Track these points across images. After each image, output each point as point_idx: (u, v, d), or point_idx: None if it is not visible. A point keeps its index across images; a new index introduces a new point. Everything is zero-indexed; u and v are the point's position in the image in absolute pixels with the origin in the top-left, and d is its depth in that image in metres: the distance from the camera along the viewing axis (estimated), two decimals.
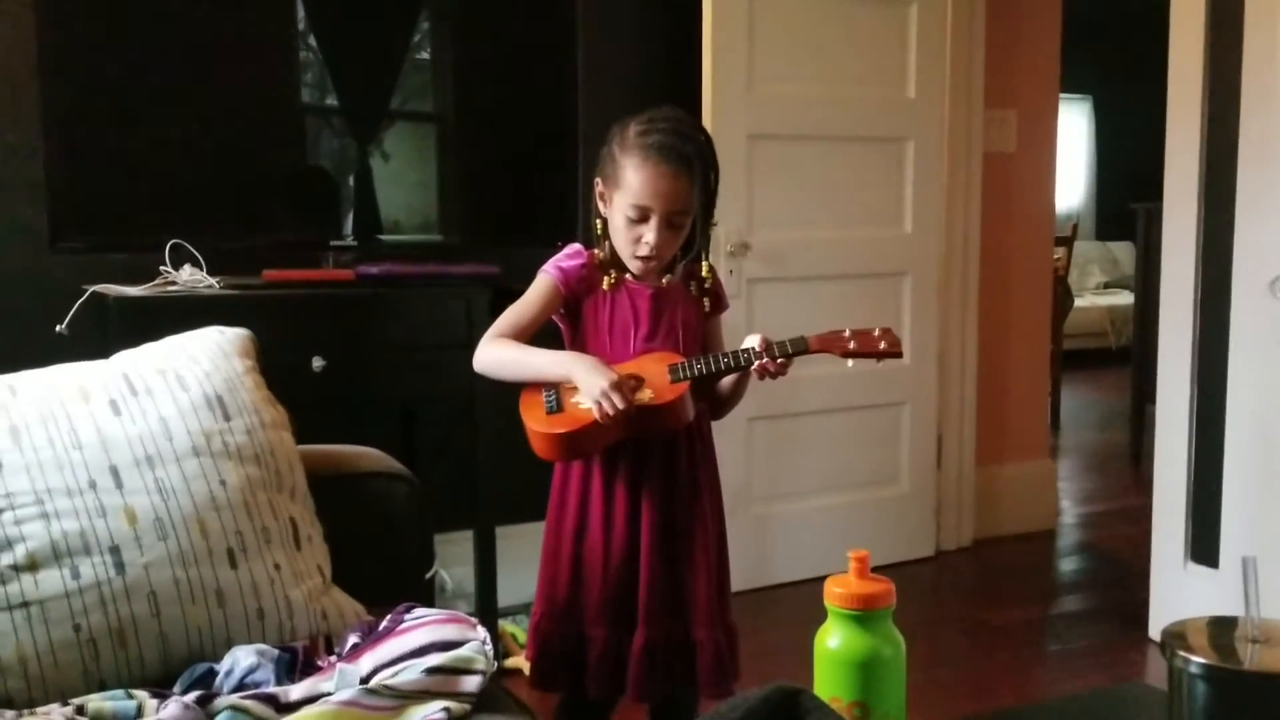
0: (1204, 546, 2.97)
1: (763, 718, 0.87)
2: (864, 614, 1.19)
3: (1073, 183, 9.69)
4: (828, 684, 1.20)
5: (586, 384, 1.79)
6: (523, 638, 2.84)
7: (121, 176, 2.68)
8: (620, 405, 1.75)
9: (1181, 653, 1.03)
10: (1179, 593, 3.00)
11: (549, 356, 1.87)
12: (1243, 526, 2.80)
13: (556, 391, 1.84)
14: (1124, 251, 9.28)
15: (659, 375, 1.84)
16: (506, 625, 2.99)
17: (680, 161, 1.83)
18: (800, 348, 1.84)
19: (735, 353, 1.85)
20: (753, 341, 1.85)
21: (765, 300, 3.42)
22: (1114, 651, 3.07)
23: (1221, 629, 1.12)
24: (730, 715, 0.86)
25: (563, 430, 1.81)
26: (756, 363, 1.84)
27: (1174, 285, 3.02)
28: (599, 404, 1.76)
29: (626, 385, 1.78)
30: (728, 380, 1.94)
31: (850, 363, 1.88)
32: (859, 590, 1.19)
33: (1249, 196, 2.79)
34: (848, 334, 1.87)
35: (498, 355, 1.88)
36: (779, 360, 1.83)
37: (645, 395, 1.81)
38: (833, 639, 1.19)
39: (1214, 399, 2.92)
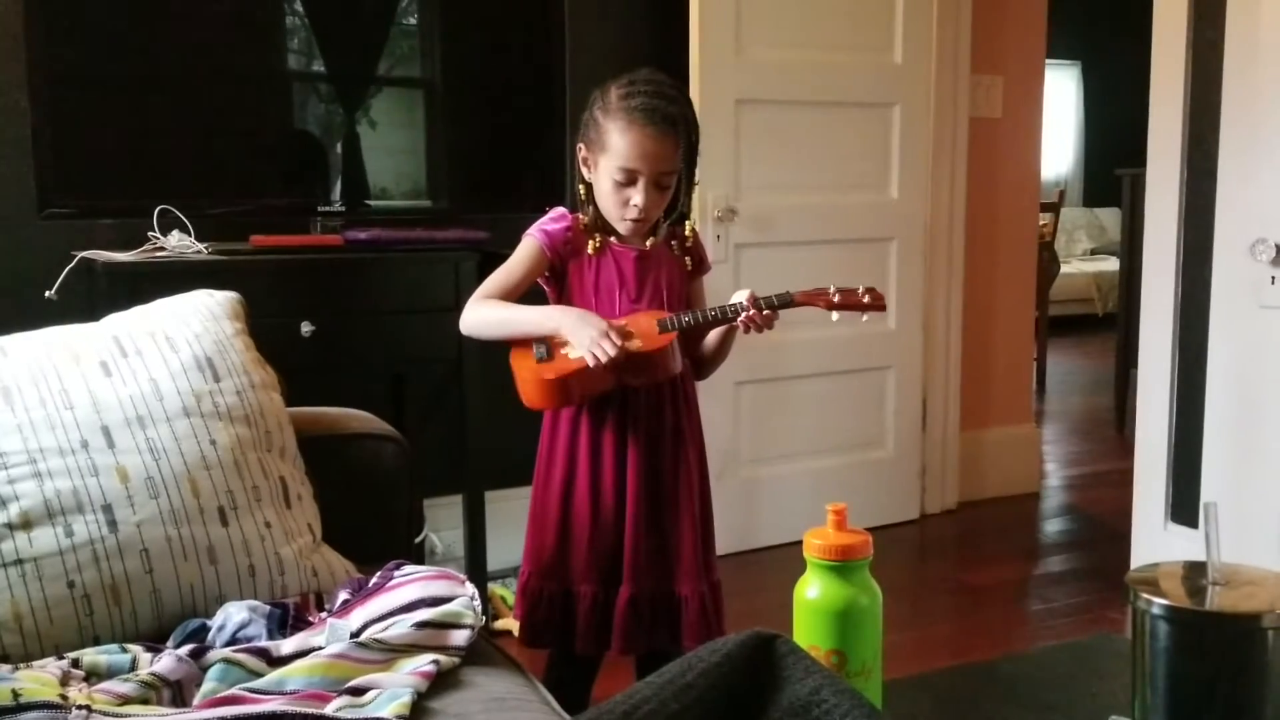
0: (1184, 507, 3.01)
1: (740, 661, 0.90)
2: (842, 564, 1.21)
3: (1061, 149, 9.71)
4: (806, 633, 1.23)
5: (577, 334, 1.81)
6: (511, 600, 2.87)
7: (109, 143, 2.68)
8: (612, 351, 1.77)
9: (1144, 595, 1.07)
10: (1159, 552, 3.04)
11: (538, 312, 1.90)
12: (1222, 487, 2.84)
13: (547, 344, 1.87)
14: (1111, 218, 9.30)
15: (648, 328, 1.86)
16: (496, 588, 3.02)
17: (666, 123, 1.85)
18: (786, 301, 1.88)
19: (723, 306, 1.88)
20: (740, 297, 1.88)
21: (752, 265, 3.44)
22: (1095, 610, 3.12)
23: (1185, 574, 1.15)
24: (709, 659, 0.88)
25: (553, 375, 1.84)
26: (743, 315, 1.86)
27: (1156, 249, 3.05)
28: (591, 352, 1.78)
29: (617, 330, 1.81)
30: (713, 337, 1.97)
31: (835, 316, 1.91)
32: (837, 541, 1.22)
33: (1230, 161, 2.81)
34: (832, 289, 1.90)
35: (485, 315, 1.91)
36: (765, 312, 1.86)
37: (635, 344, 1.84)
38: (811, 589, 1.22)
39: (1195, 362, 2.95)
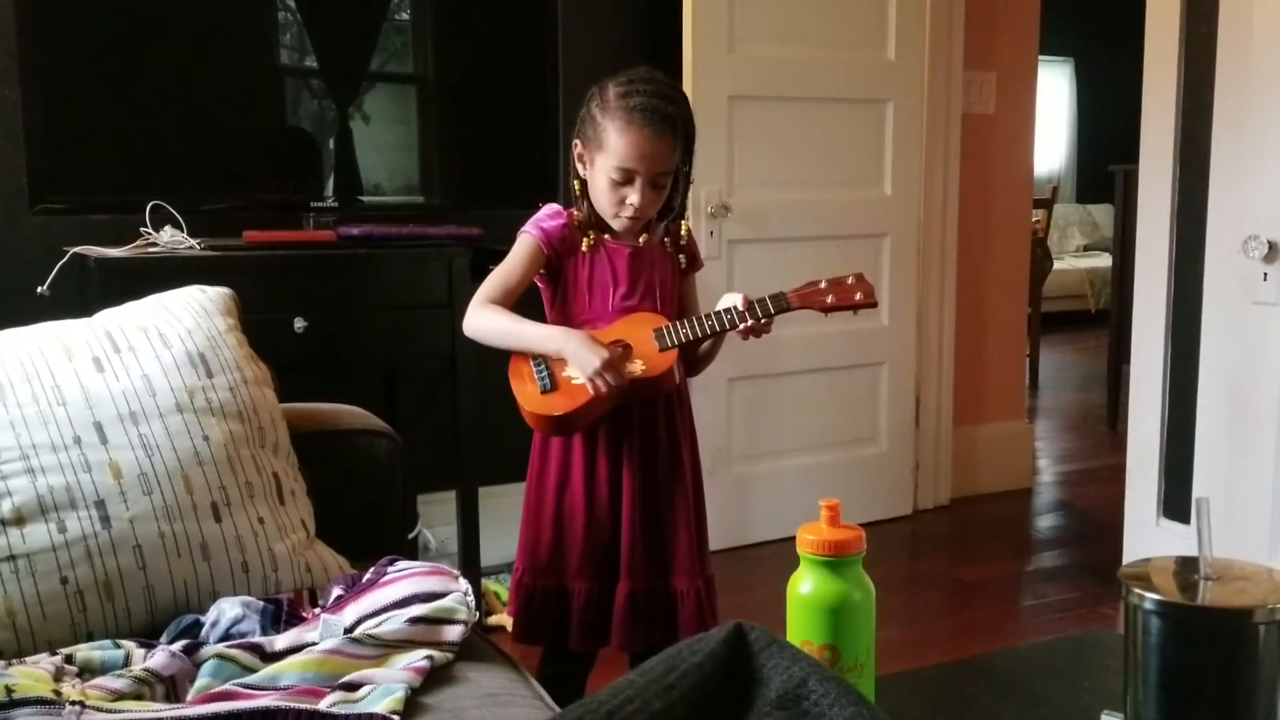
0: (1176, 502, 3.02)
1: (723, 656, 0.90)
2: (835, 560, 1.21)
3: (1054, 145, 9.71)
4: (800, 628, 1.22)
5: (581, 361, 1.82)
6: (505, 596, 2.88)
7: (101, 138, 2.67)
8: (615, 384, 1.79)
9: (1136, 590, 1.07)
10: (1152, 548, 3.04)
11: (542, 331, 1.89)
12: (1214, 483, 2.85)
13: (547, 365, 1.87)
14: (1104, 214, 9.31)
15: (645, 341, 1.87)
16: (489, 584, 3.02)
17: (664, 123, 1.84)
18: (781, 306, 1.88)
19: (719, 314, 1.88)
20: (732, 300, 1.88)
21: (745, 262, 3.44)
22: (1088, 605, 3.13)
23: (1177, 569, 1.15)
24: (690, 659, 0.88)
25: (560, 412, 1.85)
26: (741, 324, 1.86)
27: (1149, 246, 3.05)
28: (594, 381, 1.79)
29: (619, 361, 1.81)
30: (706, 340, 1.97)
31: (827, 314, 1.92)
32: (830, 537, 1.21)
33: (1223, 158, 2.81)
34: (824, 285, 1.90)
35: (490, 324, 1.90)
36: (762, 320, 1.86)
37: (637, 368, 1.85)
38: (805, 585, 1.22)
39: (1187, 358, 2.96)
